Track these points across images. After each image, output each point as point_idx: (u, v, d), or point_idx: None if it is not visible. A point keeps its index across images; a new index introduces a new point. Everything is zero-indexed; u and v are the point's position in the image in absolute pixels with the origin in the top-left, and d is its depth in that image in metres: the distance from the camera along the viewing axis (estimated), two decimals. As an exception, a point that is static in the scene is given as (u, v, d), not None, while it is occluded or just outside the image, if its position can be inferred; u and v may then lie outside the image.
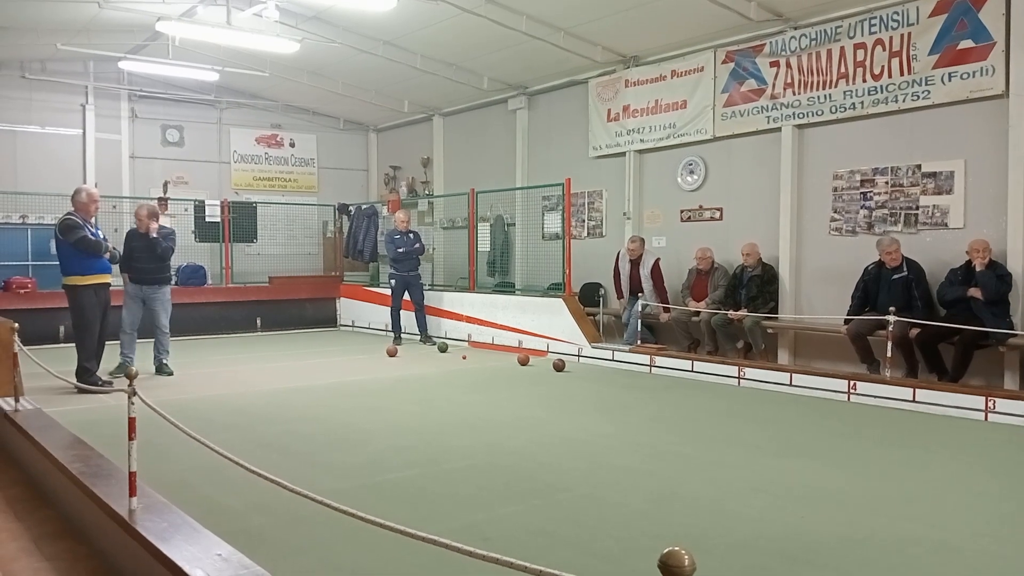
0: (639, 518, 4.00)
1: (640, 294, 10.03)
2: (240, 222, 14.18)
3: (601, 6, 9.46)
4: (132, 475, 3.47)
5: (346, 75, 13.05)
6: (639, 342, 9.59)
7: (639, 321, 9.71)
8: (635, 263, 10.22)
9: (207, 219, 13.93)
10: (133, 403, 3.47)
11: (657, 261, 10.11)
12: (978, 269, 7.34)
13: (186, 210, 13.87)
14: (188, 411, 6.22)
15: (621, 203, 11.34)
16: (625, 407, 7.17)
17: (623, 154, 11.29)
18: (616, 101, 11.34)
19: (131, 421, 3.46)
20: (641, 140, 11.04)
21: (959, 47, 7.92)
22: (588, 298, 11.12)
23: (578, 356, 9.89)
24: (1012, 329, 7.23)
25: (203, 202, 14.00)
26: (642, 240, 10.35)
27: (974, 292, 7.29)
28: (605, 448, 5.49)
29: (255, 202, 14.75)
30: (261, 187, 15.34)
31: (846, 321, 8.19)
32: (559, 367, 9.04)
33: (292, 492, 2.91)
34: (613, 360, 9.48)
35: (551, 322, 10.34)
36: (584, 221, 11.93)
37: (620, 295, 10.46)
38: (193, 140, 14.66)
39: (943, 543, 3.64)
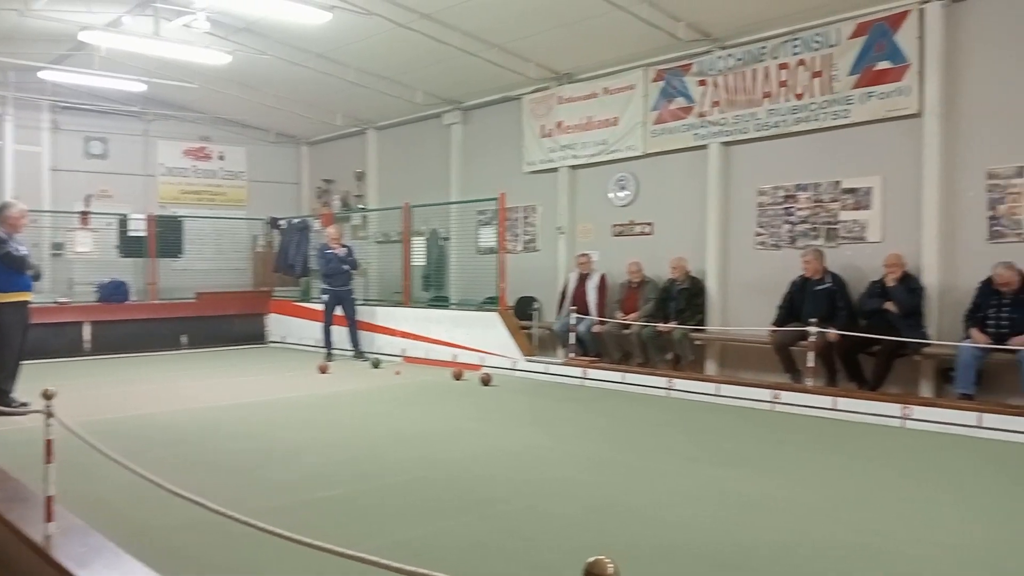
0: (575, 528, 4.03)
1: (574, 308, 10.12)
2: (166, 236, 13.80)
3: (534, 23, 9.58)
4: (49, 499, 3.33)
5: (278, 87, 12.87)
6: (572, 355, 9.69)
7: (588, 332, 9.88)
8: (583, 278, 10.38)
9: (131, 234, 13.52)
10: (51, 424, 3.34)
11: (604, 276, 10.32)
12: (890, 284, 7.68)
13: (109, 224, 13.44)
14: (112, 431, 6.01)
15: (555, 217, 11.46)
16: (560, 419, 7.22)
17: (557, 169, 11.42)
18: (549, 117, 11.47)
19: (48, 443, 3.32)
20: (574, 156, 11.19)
21: (877, 68, 8.28)
22: (523, 312, 11.18)
23: (513, 369, 9.91)
24: (927, 339, 7.57)
25: (127, 216, 13.58)
26: (592, 256, 10.56)
27: (889, 306, 7.62)
28: (541, 460, 5.52)
29: (181, 216, 14.37)
30: (189, 201, 14.95)
31: (772, 332, 8.43)
32: (486, 381, 9.02)
33: (217, 513, 2.84)
34: (547, 373, 9.53)
35: (486, 336, 10.35)
36: (519, 235, 12.00)
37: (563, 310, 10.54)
38: (118, 152, 14.22)
39: (865, 547, 3.77)
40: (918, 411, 6.63)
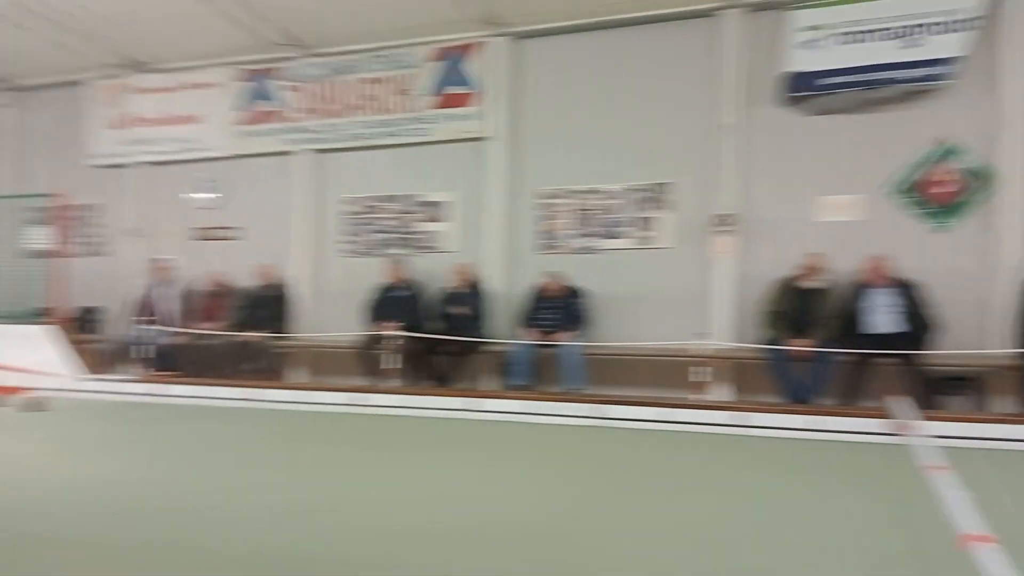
0: (140, 564, 3.58)
1: (149, 319, 9.25)
2: None
3: (105, 2, 8.57)
4: None
5: None
6: (147, 371, 8.83)
7: (167, 344, 9.04)
8: (161, 286, 9.47)
9: None
10: None
11: (185, 283, 9.59)
12: (460, 290, 8.39)
13: None
14: None
15: (129, 218, 10.37)
16: (126, 443, 6.46)
17: (129, 165, 10.36)
18: (122, 108, 10.38)
19: None
20: (151, 152, 10.27)
21: (452, 92, 8.98)
22: (86, 324, 9.90)
23: (74, 390, 8.68)
24: (491, 338, 8.37)
25: None
26: (170, 262, 9.71)
27: (459, 310, 8.31)
28: (102, 494, 4.84)
29: None
30: None
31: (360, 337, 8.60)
32: (35, 406, 7.71)
33: None
34: (118, 392, 8.52)
35: (36, 353, 8.91)
36: (81, 237, 10.61)
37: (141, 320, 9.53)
38: None
39: (447, 532, 3.96)
40: (484, 403, 7.26)
